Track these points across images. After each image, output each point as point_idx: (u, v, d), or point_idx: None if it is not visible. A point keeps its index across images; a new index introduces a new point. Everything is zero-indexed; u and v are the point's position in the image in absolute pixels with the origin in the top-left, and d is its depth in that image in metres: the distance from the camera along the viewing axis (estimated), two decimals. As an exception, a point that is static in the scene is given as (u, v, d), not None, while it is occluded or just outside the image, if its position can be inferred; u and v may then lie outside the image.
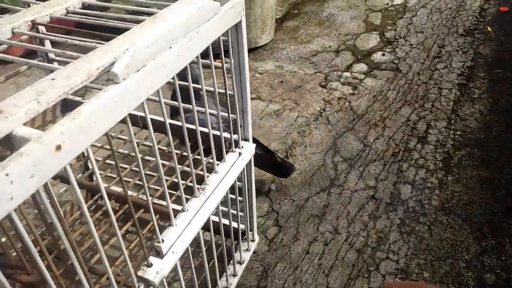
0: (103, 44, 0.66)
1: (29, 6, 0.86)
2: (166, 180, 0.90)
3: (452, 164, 1.77)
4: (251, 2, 2.44)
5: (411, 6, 3.26)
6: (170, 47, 0.66)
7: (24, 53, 2.44)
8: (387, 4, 3.30)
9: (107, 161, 1.26)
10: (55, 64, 1.21)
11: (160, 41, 0.64)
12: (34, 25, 0.77)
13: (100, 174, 1.31)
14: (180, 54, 0.68)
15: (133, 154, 1.22)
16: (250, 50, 2.62)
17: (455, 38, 2.79)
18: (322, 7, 3.28)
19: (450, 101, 2.18)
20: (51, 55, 1.21)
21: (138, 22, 0.73)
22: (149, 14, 0.77)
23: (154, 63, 0.63)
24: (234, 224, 1.25)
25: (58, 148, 0.52)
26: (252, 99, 2.18)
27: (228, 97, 0.96)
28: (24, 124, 0.53)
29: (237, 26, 0.87)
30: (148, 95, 0.63)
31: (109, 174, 1.19)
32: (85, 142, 0.55)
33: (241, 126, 1.06)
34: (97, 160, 1.24)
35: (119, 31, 0.75)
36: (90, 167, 1.38)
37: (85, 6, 0.86)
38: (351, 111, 2.11)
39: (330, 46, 2.72)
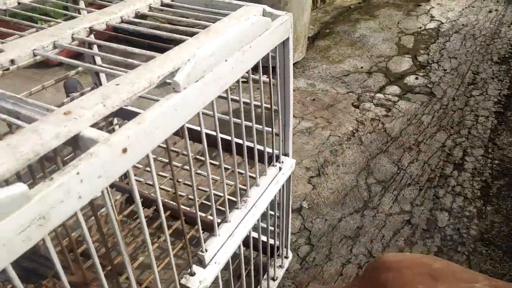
0: (154, 54, 0.66)
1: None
2: (205, 191, 0.88)
3: (491, 194, 1.70)
4: (286, 19, 2.45)
5: (444, 31, 3.23)
6: (226, 60, 0.67)
7: (68, 58, 2.48)
8: (420, 27, 3.28)
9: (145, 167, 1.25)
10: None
11: (218, 54, 0.65)
12: (91, 32, 0.77)
13: (140, 181, 1.30)
14: (234, 67, 0.69)
15: (186, 167, 1.20)
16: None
17: (489, 66, 2.75)
18: (354, 28, 3.27)
19: (487, 129, 2.12)
20: (98, 61, 1.21)
21: (191, 34, 0.74)
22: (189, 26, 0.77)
23: (211, 74, 0.64)
24: (269, 239, 1.22)
25: (124, 150, 0.51)
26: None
27: (273, 112, 0.95)
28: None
29: (284, 42, 0.88)
30: (204, 105, 0.64)
31: (148, 182, 1.18)
32: (147, 146, 0.55)
33: (282, 141, 1.04)
34: (136, 168, 1.23)
35: (167, 41, 0.75)
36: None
37: (138, 16, 0.87)
38: (384, 133, 2.07)
39: (362, 67, 2.70)
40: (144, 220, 0.58)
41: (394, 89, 2.46)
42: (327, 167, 1.83)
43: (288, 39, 0.89)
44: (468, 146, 1.99)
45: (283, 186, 1.07)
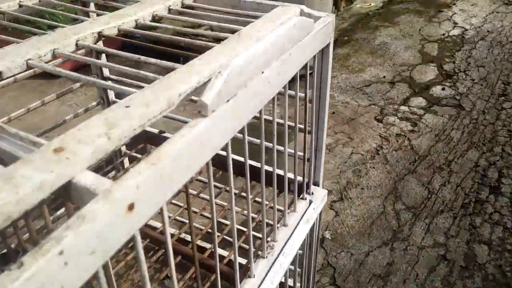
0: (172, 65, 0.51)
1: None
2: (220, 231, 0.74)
3: (533, 222, 1.53)
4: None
5: (469, 38, 3.05)
6: (263, 72, 0.53)
7: (73, 68, 2.36)
8: (443, 34, 3.11)
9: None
10: (109, 83, 1.09)
11: (254, 64, 0.51)
12: (100, 37, 0.64)
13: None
14: (271, 81, 0.55)
15: (207, 213, 1.06)
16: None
17: (521, 75, 2.57)
18: (373, 35, 3.11)
19: (523, 146, 1.95)
20: (106, 73, 1.08)
21: (217, 40, 0.60)
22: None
23: (245, 91, 0.50)
24: (290, 281, 1.07)
25: (131, 207, 0.36)
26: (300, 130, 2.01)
27: (307, 133, 0.81)
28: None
29: (324, 49, 0.72)
30: (235, 131, 0.50)
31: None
32: (162, 197, 0.40)
33: (314, 167, 0.89)
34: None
35: (189, 49, 0.61)
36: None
37: (155, 19, 0.73)
38: (411, 150, 1.91)
39: (384, 77, 2.54)
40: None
41: (419, 101, 2.29)
42: (351, 190, 1.67)
43: (329, 45, 0.74)
44: (504, 166, 1.82)
45: (315, 223, 0.92)
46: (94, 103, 1.09)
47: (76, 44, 0.60)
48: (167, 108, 0.44)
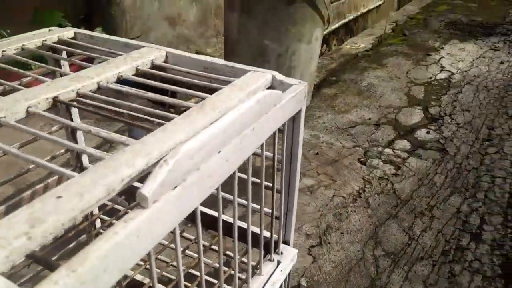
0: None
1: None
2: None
3: (513, 272, 1.51)
4: (291, 68, 2.35)
5: (455, 82, 3.12)
6: (220, 151, 0.50)
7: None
8: (430, 78, 3.17)
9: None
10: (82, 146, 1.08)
11: (211, 145, 0.48)
12: (55, 103, 0.62)
13: None
14: (230, 159, 0.52)
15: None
16: (285, 116, 2.50)
17: (505, 120, 2.60)
18: (361, 76, 3.17)
19: (505, 192, 1.95)
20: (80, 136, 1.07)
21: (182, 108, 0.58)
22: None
23: (196, 174, 0.46)
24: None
25: None
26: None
27: (275, 193, 0.79)
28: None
29: (295, 116, 0.71)
30: (183, 217, 0.46)
31: None
32: None
33: (284, 226, 0.88)
34: None
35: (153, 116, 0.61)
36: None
37: (120, 79, 0.72)
38: (394, 194, 1.90)
39: (370, 118, 2.56)
40: None
41: (404, 143, 2.31)
42: (330, 234, 1.65)
43: (300, 111, 0.72)
44: (486, 212, 1.81)
45: (283, 286, 0.89)
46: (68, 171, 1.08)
47: (27, 111, 0.58)
48: (107, 195, 0.41)
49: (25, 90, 0.64)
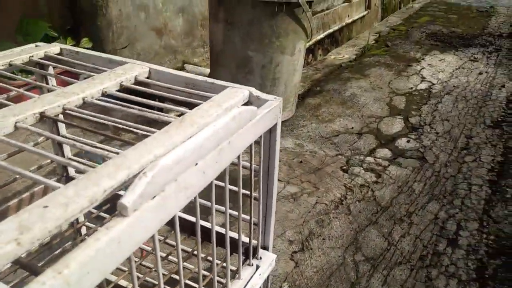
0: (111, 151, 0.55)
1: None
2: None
3: (486, 276, 1.57)
4: (275, 79, 2.41)
5: (436, 92, 3.21)
6: (197, 164, 0.54)
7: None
8: (411, 88, 3.26)
9: None
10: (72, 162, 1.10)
11: (188, 159, 0.52)
12: (42, 118, 0.66)
13: None
14: (206, 171, 0.56)
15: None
16: (270, 125, 2.55)
17: (482, 129, 2.69)
18: (344, 86, 3.25)
19: (481, 199, 2.02)
20: (67, 151, 1.10)
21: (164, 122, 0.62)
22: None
23: (174, 185, 0.50)
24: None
25: None
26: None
27: (253, 200, 0.84)
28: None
29: (271, 129, 0.76)
30: (161, 224, 0.50)
31: None
32: None
33: (262, 232, 0.92)
34: None
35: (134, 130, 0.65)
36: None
37: (104, 95, 0.76)
38: (374, 201, 1.96)
39: (352, 128, 2.63)
40: None
41: (385, 152, 2.38)
42: (312, 240, 1.70)
43: (276, 125, 0.77)
44: (462, 218, 1.88)
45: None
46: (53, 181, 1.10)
47: (15, 126, 0.62)
48: (90, 205, 0.45)
49: (13, 106, 0.67)
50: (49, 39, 2.53)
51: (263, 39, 2.28)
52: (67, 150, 1.11)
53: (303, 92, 3.10)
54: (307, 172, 2.15)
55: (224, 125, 0.60)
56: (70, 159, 1.10)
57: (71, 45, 2.55)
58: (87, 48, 2.49)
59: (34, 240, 0.41)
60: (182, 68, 3.17)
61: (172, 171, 0.50)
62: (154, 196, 0.48)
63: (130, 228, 0.45)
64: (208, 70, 2.90)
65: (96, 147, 0.82)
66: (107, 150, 0.62)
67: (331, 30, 4.06)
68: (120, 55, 2.82)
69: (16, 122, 0.64)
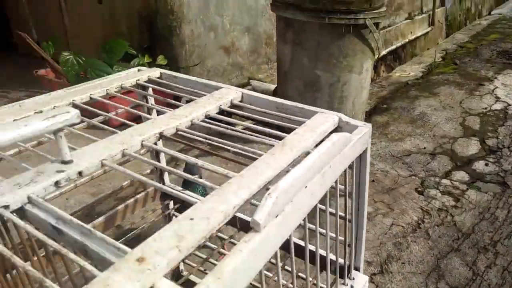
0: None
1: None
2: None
3: None
4: (342, 97, 2.39)
5: (512, 113, 3.04)
6: (306, 186, 0.58)
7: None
8: (485, 108, 3.11)
9: None
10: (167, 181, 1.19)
11: (299, 180, 0.57)
12: (161, 137, 0.73)
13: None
14: (313, 192, 0.60)
15: None
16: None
17: None
18: (413, 105, 3.16)
19: None
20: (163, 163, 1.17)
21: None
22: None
23: (291, 206, 0.55)
24: None
25: None
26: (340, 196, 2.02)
27: (347, 221, 0.85)
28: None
29: (361, 155, 0.78)
30: (282, 241, 0.55)
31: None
32: None
33: (354, 253, 0.91)
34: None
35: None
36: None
37: (207, 117, 0.82)
38: (454, 227, 1.86)
39: (425, 148, 2.54)
40: None
41: (461, 175, 2.27)
42: (391, 263, 1.64)
43: (366, 150, 0.80)
44: (554, 250, 1.74)
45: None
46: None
47: (141, 145, 0.68)
48: (224, 219, 0.50)
49: (136, 126, 0.75)
50: (128, 57, 2.68)
51: (330, 59, 2.27)
52: (162, 160, 1.17)
53: (369, 109, 3.05)
54: (380, 192, 2.09)
55: (326, 150, 0.63)
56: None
57: (147, 62, 2.68)
58: (162, 65, 2.61)
59: (189, 247, 0.47)
60: (247, 84, 3.23)
61: (289, 193, 0.55)
62: (277, 215, 0.53)
63: (262, 243, 0.50)
64: (273, 86, 2.93)
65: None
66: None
67: (393, 47, 3.98)
68: (192, 72, 2.93)
69: (142, 141, 0.70)
